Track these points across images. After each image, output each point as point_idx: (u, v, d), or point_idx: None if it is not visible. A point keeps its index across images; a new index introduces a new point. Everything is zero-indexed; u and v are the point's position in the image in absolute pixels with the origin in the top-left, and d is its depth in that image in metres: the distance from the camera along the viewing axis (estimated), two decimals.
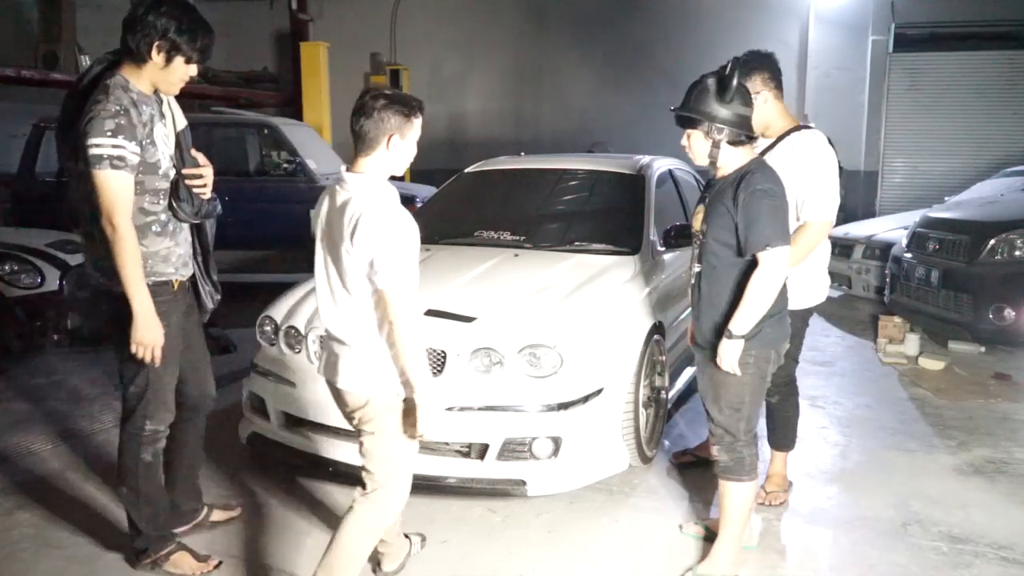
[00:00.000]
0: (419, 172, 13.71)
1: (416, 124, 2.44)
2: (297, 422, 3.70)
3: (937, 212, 6.71)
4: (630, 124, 12.70)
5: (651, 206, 4.53)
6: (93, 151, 2.52)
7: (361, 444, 2.56)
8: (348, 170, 2.45)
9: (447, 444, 3.36)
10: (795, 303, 3.06)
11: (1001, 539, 3.25)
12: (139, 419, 2.82)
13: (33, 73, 10.58)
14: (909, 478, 3.84)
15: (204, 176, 2.86)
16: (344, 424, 3.51)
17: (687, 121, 2.77)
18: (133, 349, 2.64)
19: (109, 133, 2.52)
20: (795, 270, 3.07)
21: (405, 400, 2.48)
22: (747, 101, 2.76)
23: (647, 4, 13.00)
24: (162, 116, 2.76)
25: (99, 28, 12.44)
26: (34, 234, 6.31)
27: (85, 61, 11.59)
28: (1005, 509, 3.54)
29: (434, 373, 3.38)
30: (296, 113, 12.99)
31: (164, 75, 2.68)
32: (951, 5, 11.58)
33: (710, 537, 3.13)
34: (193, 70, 2.73)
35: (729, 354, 2.71)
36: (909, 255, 6.43)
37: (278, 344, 3.83)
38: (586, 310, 3.62)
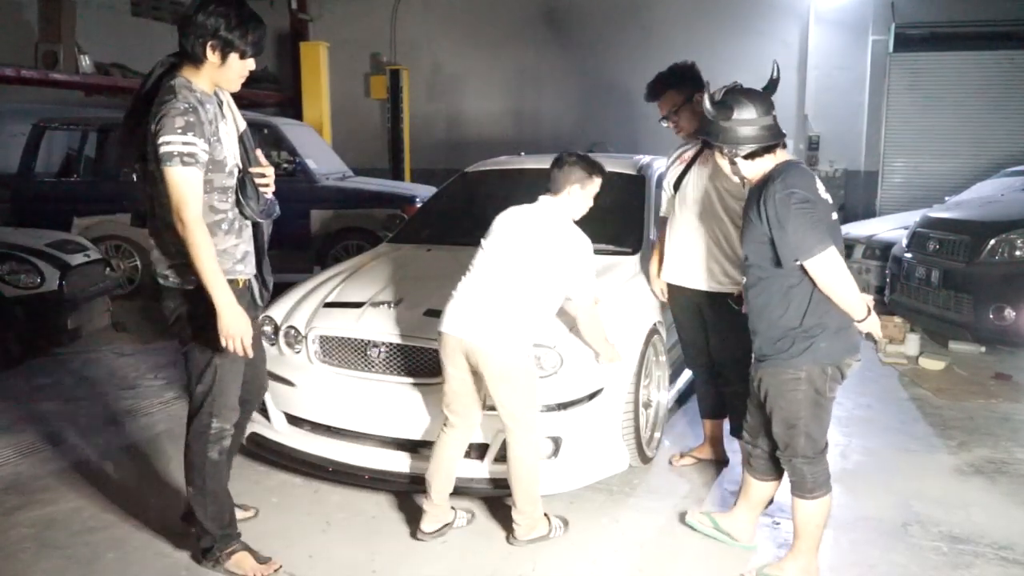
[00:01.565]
0: (419, 172, 13.72)
1: (597, 183, 3.22)
2: (297, 422, 3.70)
3: (937, 212, 6.70)
4: (630, 124, 12.69)
5: (651, 206, 4.51)
6: (164, 148, 2.53)
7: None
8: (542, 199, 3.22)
9: None
10: None
11: (1001, 539, 3.25)
12: (205, 417, 2.85)
13: (33, 73, 10.58)
14: (909, 478, 3.84)
15: (267, 175, 2.90)
16: (343, 425, 3.53)
17: (707, 144, 2.94)
18: (223, 342, 2.63)
19: (179, 130, 2.54)
20: None
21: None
22: (759, 110, 2.71)
23: (648, 4, 12.99)
24: (223, 116, 2.78)
25: (99, 28, 12.46)
26: (34, 234, 6.31)
27: (85, 61, 11.58)
28: (1006, 509, 3.54)
29: (434, 373, 3.38)
30: (296, 113, 12.98)
31: (222, 73, 2.68)
32: (951, 5, 11.57)
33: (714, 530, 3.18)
34: (250, 64, 2.73)
35: (872, 325, 2.70)
36: (909, 255, 6.42)
37: (278, 344, 3.83)
38: None
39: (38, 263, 5.77)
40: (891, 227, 7.79)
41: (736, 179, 2.85)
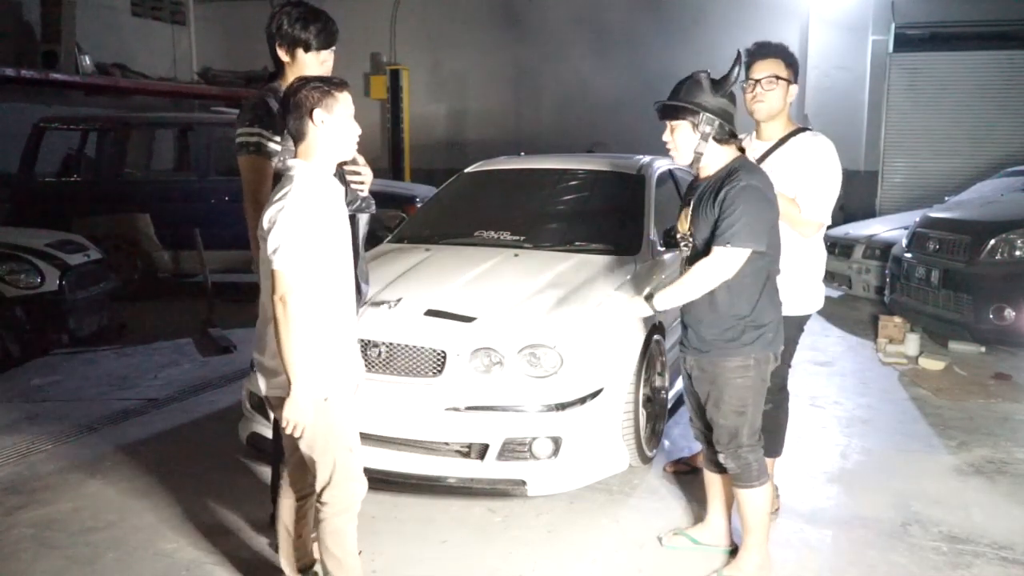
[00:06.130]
0: (419, 172, 13.73)
1: (341, 99, 2.42)
2: None
3: (937, 212, 6.71)
4: (630, 124, 12.69)
5: (651, 206, 4.52)
6: (237, 140, 2.83)
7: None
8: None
9: (447, 444, 3.35)
10: (792, 309, 3.05)
11: (1001, 539, 3.24)
12: None
13: (33, 73, 10.58)
14: (909, 478, 3.84)
15: (363, 175, 2.98)
16: None
17: (673, 112, 2.73)
18: None
19: (247, 123, 2.80)
20: (791, 277, 3.05)
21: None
22: (734, 100, 2.77)
23: (648, 4, 13.00)
24: None
25: (99, 28, 12.46)
26: (34, 234, 6.31)
27: (85, 61, 11.59)
28: (1005, 509, 3.54)
29: (434, 373, 3.39)
30: None
31: (299, 71, 2.80)
32: (951, 5, 11.57)
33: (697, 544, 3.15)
34: (325, 57, 2.87)
35: (636, 310, 2.82)
36: (909, 255, 6.42)
37: None
38: (586, 310, 3.62)
39: (38, 263, 5.77)
40: (891, 227, 7.79)
41: (687, 160, 2.78)
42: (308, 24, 2.80)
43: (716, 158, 2.75)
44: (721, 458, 2.88)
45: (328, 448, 2.47)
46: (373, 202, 3.04)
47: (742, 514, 2.90)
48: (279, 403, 2.42)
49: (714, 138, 2.71)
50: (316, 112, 2.37)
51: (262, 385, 2.50)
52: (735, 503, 2.94)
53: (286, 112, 2.42)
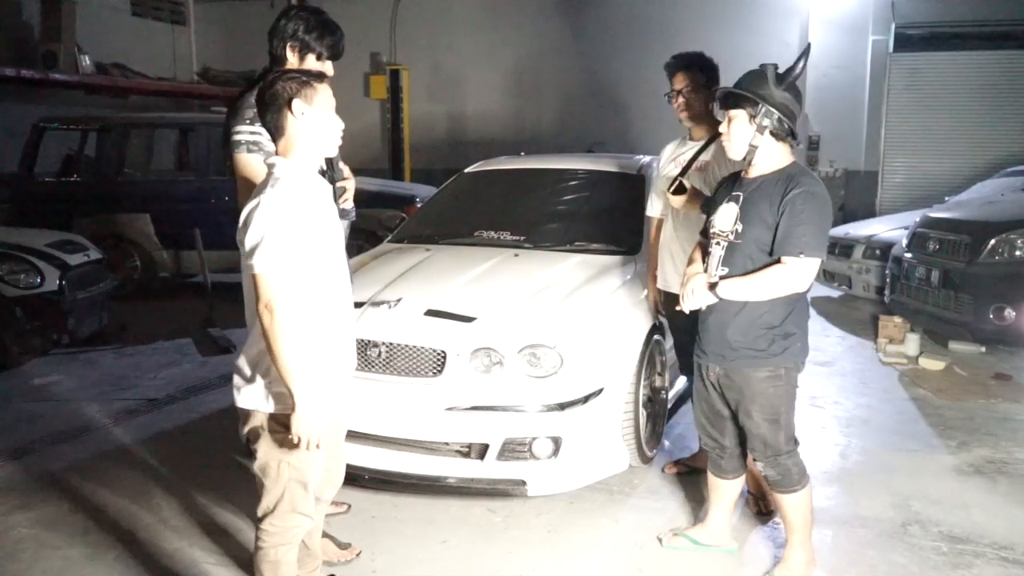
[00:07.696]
0: (419, 172, 13.73)
1: (321, 90, 2.28)
2: None
3: (937, 212, 6.70)
4: (630, 124, 12.71)
5: None
6: (234, 137, 2.82)
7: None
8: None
9: (447, 444, 3.35)
10: None
11: (1001, 539, 3.25)
12: None
13: (33, 73, 10.59)
14: (909, 478, 3.84)
15: (348, 187, 3.10)
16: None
17: (733, 100, 2.62)
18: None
19: (248, 121, 2.78)
20: None
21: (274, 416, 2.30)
22: (799, 98, 2.67)
23: (648, 4, 13.00)
24: None
25: (99, 28, 12.46)
26: (34, 234, 6.31)
27: (85, 61, 11.59)
28: (1005, 509, 3.54)
29: (434, 373, 3.39)
30: None
31: None
32: (951, 5, 11.58)
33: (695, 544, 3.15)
34: (328, 68, 2.95)
35: (700, 294, 2.67)
36: (909, 255, 6.42)
37: None
38: (586, 310, 3.61)
39: (38, 263, 5.77)
40: (891, 227, 7.79)
41: (740, 154, 2.68)
42: (324, 36, 2.91)
43: (770, 155, 2.64)
44: (760, 466, 2.85)
45: (280, 479, 2.31)
46: (355, 209, 3.08)
47: (785, 516, 2.89)
48: (245, 417, 2.35)
49: (771, 132, 2.60)
50: (295, 103, 2.23)
51: (235, 393, 2.35)
52: (778, 505, 2.91)
53: (263, 107, 2.28)
